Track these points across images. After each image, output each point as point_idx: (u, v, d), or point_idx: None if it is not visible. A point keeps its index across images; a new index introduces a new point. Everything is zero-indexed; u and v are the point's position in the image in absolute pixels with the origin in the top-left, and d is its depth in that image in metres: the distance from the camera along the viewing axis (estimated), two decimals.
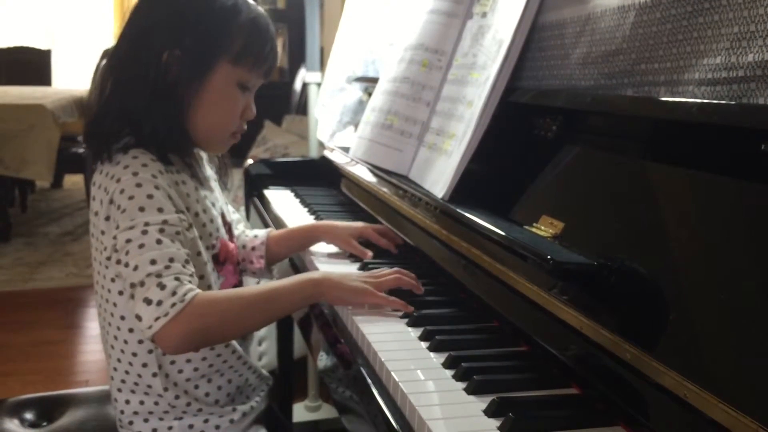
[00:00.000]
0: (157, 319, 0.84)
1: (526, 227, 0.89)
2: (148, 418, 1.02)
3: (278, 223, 1.46)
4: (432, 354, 0.82)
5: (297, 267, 1.26)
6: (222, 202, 1.12)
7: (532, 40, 1.05)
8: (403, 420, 0.70)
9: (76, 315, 3.04)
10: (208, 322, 0.87)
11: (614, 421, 0.67)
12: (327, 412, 2.16)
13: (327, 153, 1.83)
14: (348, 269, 1.13)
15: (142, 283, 0.85)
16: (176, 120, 0.97)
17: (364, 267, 1.13)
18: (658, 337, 0.64)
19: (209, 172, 1.11)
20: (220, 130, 1.02)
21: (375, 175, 1.37)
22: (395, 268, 1.01)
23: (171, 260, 0.87)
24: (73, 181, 5.44)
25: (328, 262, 1.18)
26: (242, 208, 1.91)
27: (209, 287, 1.01)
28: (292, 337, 1.84)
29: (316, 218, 1.46)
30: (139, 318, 0.85)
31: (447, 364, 0.79)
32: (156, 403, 1.02)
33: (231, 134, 1.04)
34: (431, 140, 1.24)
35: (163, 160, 0.96)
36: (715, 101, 0.70)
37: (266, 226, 1.47)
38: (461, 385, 0.74)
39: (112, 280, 0.97)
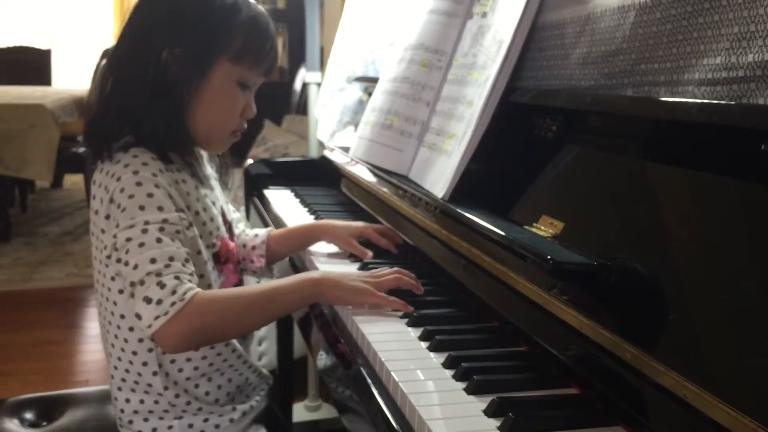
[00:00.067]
0: (156, 317, 0.84)
1: (526, 227, 0.89)
2: (148, 417, 1.03)
3: (278, 223, 1.46)
4: (432, 354, 0.82)
5: (297, 266, 1.26)
6: (222, 201, 1.12)
7: (532, 40, 1.05)
8: (403, 420, 0.70)
9: (76, 315, 3.04)
10: (208, 320, 0.87)
11: (614, 421, 0.67)
12: (327, 411, 2.16)
13: (327, 153, 1.83)
14: (348, 269, 1.13)
15: (142, 282, 0.85)
16: (176, 118, 0.97)
17: (364, 267, 1.13)
18: (658, 337, 0.64)
19: (209, 170, 1.12)
20: (220, 129, 1.02)
21: (375, 175, 1.37)
22: (395, 268, 1.01)
23: (171, 259, 0.87)
24: (73, 180, 5.44)
25: (328, 262, 1.18)
26: (242, 208, 1.91)
27: (209, 286, 1.01)
28: (292, 336, 1.84)
29: (316, 218, 1.46)
30: (138, 317, 0.85)
31: (447, 364, 0.79)
32: (156, 402, 1.02)
33: (231, 133, 1.04)
34: (431, 140, 1.24)
35: (164, 159, 0.96)
36: (715, 101, 0.70)
37: (266, 225, 1.46)
38: (461, 385, 0.74)
39: (113, 278, 0.97)
